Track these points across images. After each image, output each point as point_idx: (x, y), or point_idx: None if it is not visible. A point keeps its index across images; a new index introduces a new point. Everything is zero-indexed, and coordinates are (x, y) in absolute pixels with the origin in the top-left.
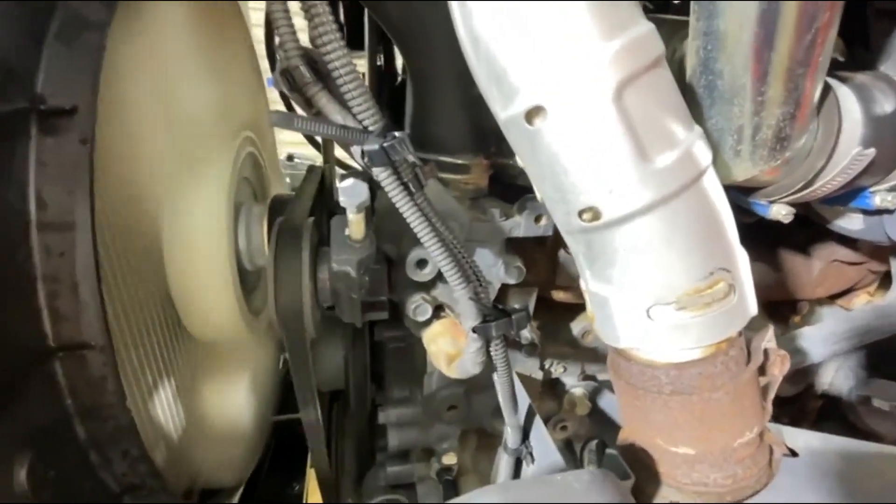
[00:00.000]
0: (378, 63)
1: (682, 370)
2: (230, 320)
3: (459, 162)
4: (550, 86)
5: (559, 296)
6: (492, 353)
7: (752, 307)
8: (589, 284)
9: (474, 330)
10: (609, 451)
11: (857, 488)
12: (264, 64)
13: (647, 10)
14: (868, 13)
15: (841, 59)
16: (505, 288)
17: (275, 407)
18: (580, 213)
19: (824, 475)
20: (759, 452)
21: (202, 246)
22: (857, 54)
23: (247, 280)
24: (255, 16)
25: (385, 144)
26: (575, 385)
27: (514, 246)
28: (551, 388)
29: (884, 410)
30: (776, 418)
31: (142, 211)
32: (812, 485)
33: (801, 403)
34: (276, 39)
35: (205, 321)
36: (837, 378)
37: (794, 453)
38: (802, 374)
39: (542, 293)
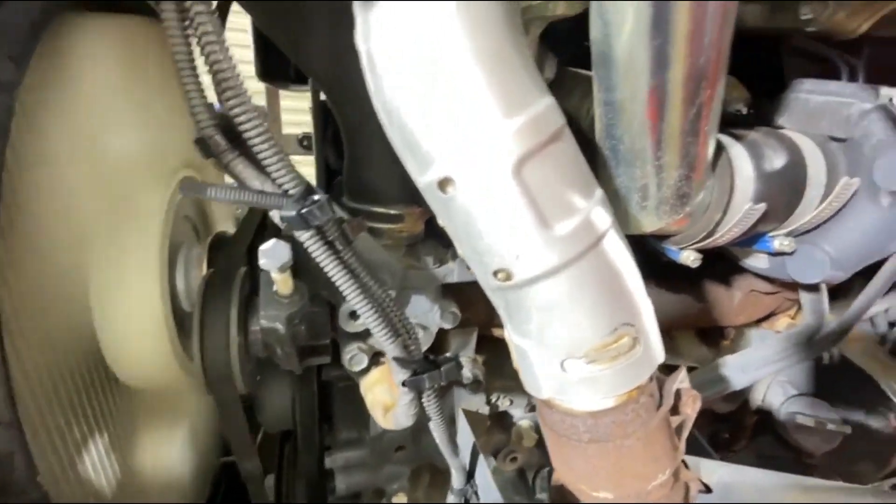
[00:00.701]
0: (322, 99)
1: (598, 419)
2: (165, 366)
3: (393, 212)
4: (457, 159)
5: (499, 332)
6: (424, 405)
7: (659, 355)
8: (511, 336)
9: (404, 383)
10: (538, 497)
11: None
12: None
13: (572, 64)
14: (782, 52)
15: (745, 110)
16: (445, 331)
17: (221, 447)
18: (495, 274)
19: None
20: (673, 492)
21: (131, 290)
22: (762, 105)
23: (185, 323)
24: None
25: (303, 211)
26: (522, 417)
27: (452, 289)
28: (500, 421)
29: (808, 426)
30: (716, 434)
31: (61, 263)
32: None
33: (739, 419)
34: (188, 106)
35: (137, 369)
36: (769, 395)
37: (708, 489)
38: (738, 392)
39: (484, 331)
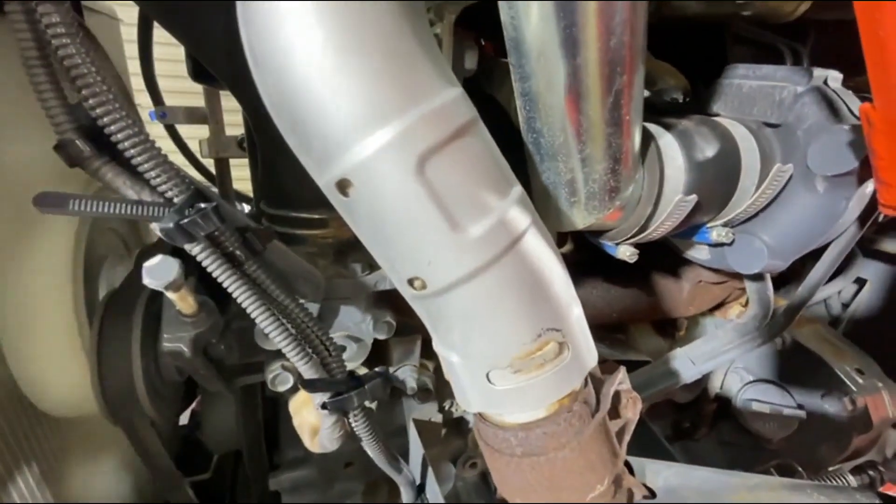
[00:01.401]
0: None
1: (529, 431)
2: (85, 392)
3: (315, 216)
4: (353, 158)
5: None
6: (353, 426)
7: (590, 359)
8: (437, 347)
9: (325, 406)
10: None
11: None
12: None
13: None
14: (727, 40)
15: (682, 99)
16: (387, 340)
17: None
18: (410, 282)
19: None
20: (615, 501)
21: (41, 314)
22: (700, 92)
23: None
24: (129, 32)
25: (183, 222)
26: None
27: (389, 296)
28: (456, 427)
29: (765, 413)
30: (677, 424)
31: None
32: None
33: (699, 408)
34: (42, 108)
35: (55, 398)
36: (727, 382)
37: (653, 494)
38: (696, 381)
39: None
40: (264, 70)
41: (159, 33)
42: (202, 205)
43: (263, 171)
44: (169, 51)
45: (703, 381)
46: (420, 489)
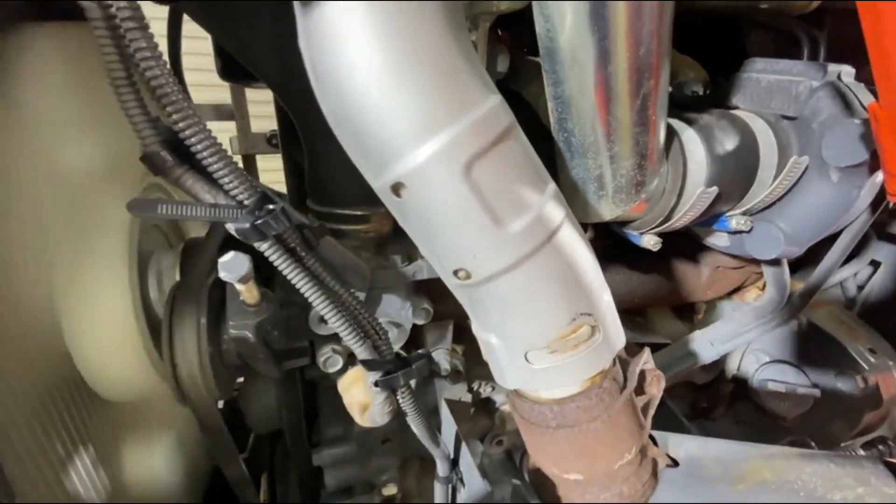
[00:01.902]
0: None
1: (564, 405)
2: (142, 377)
3: (358, 213)
4: (407, 164)
5: None
6: (399, 402)
7: (619, 340)
8: (477, 331)
9: (377, 384)
10: (514, 483)
11: (723, 493)
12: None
13: (529, 52)
14: (743, 27)
15: (703, 91)
16: (422, 325)
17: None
18: (455, 273)
19: (699, 482)
20: (641, 468)
21: (101, 304)
22: (720, 85)
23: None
24: (159, 27)
25: (258, 222)
26: (504, 402)
27: (424, 285)
28: (484, 407)
29: (780, 392)
30: (695, 403)
31: (28, 282)
32: (689, 492)
33: (716, 388)
34: (130, 123)
35: (114, 382)
36: (743, 363)
37: (675, 462)
38: (714, 363)
39: (462, 321)
40: (326, 86)
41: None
42: (271, 206)
43: (310, 171)
44: (192, 45)
45: (720, 363)
46: (454, 463)
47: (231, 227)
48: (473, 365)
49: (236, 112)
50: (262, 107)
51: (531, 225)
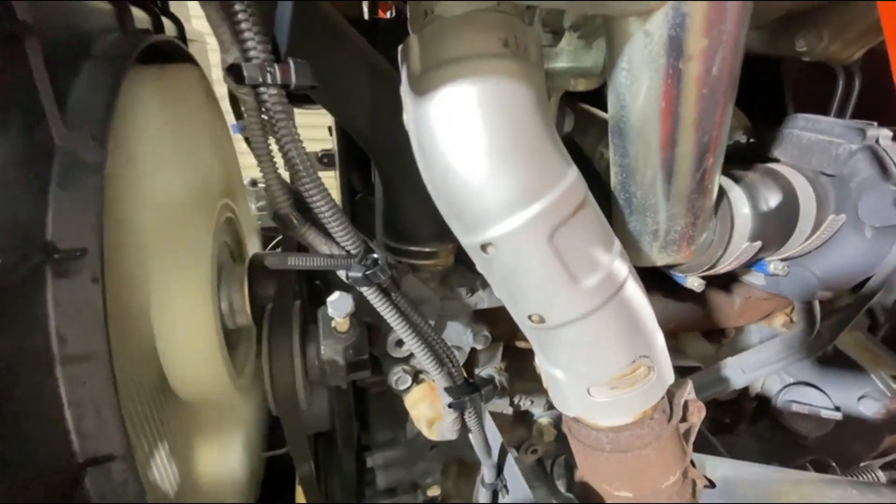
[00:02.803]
0: None
1: (619, 433)
2: (217, 379)
3: (428, 250)
4: (499, 231)
5: (522, 344)
6: (466, 421)
7: (669, 378)
8: (542, 365)
9: (450, 406)
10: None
11: None
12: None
13: (584, 97)
14: (782, 71)
15: (745, 140)
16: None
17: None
18: (529, 317)
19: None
20: (683, 488)
21: (190, 314)
22: (760, 135)
23: (229, 339)
24: (214, 57)
25: (367, 273)
26: (542, 415)
27: (481, 312)
28: (522, 419)
29: (803, 413)
30: (718, 419)
31: (138, 302)
32: None
33: (739, 405)
34: (265, 186)
35: (193, 383)
36: (767, 383)
37: (712, 484)
38: None
39: (507, 342)
40: (431, 161)
41: None
42: (375, 256)
43: (386, 211)
44: None
45: None
46: (499, 470)
47: (342, 274)
48: (514, 380)
49: None
50: (308, 131)
51: (602, 281)
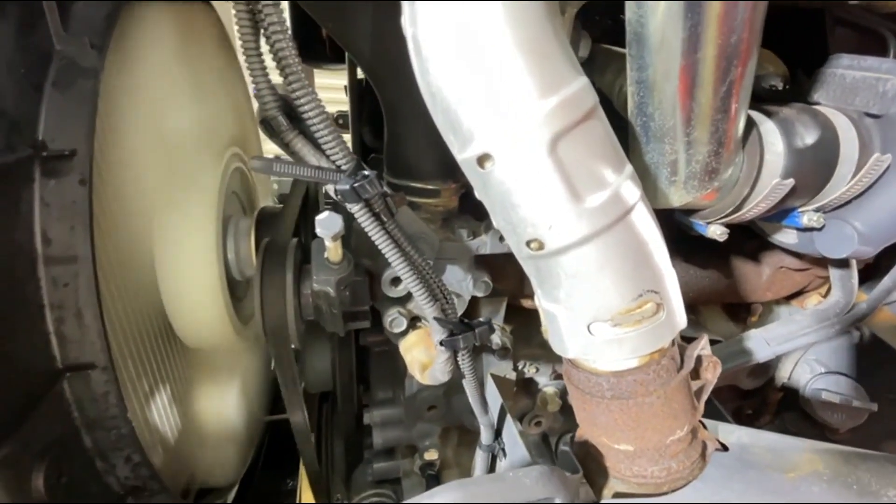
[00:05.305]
0: (358, 78)
1: (621, 378)
2: (220, 329)
3: (430, 187)
4: (496, 138)
5: (528, 303)
6: (459, 363)
7: (681, 321)
8: (540, 302)
9: (442, 343)
10: (562, 448)
11: (774, 479)
12: None
13: (604, 39)
14: (826, 24)
15: (782, 86)
16: (476, 299)
17: (266, 407)
18: (528, 243)
19: (749, 467)
20: (691, 447)
21: (193, 260)
22: (798, 80)
23: (236, 290)
24: None
25: (355, 185)
26: (547, 384)
27: (485, 260)
28: (526, 387)
29: (834, 403)
30: (739, 410)
31: (136, 233)
32: (737, 476)
33: (764, 395)
34: (252, 89)
35: (197, 331)
36: (796, 372)
37: (725, 447)
38: (764, 368)
39: (513, 301)
40: (429, 64)
41: None
42: (366, 172)
43: (389, 146)
44: None
45: (770, 370)
46: (496, 434)
47: (330, 188)
48: (520, 345)
49: None
50: (322, 93)
51: (608, 201)
